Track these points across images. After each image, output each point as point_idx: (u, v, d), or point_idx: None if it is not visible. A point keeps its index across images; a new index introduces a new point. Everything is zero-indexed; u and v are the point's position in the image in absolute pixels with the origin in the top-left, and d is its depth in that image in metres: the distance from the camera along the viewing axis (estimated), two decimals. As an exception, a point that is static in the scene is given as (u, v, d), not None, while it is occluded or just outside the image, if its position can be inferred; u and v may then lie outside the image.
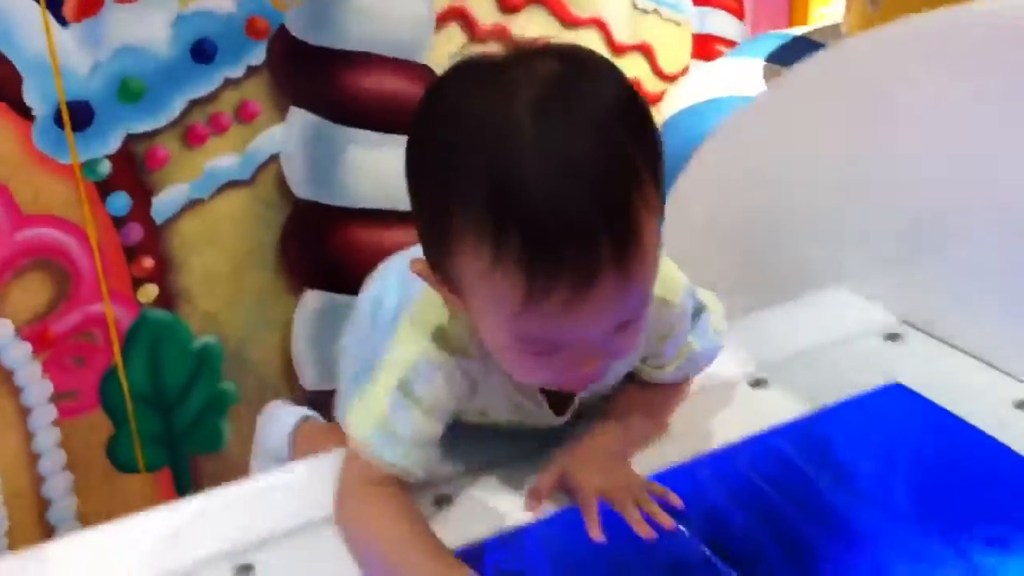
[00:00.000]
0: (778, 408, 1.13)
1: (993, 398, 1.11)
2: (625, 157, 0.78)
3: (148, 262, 1.95)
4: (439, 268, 0.86)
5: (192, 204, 1.96)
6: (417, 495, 0.98)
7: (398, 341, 0.95)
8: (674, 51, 2.43)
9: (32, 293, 1.86)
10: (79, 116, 1.80)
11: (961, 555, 1.00)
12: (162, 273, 1.97)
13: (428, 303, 0.96)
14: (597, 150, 0.77)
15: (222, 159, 1.96)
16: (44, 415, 1.92)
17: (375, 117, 2.05)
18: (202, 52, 1.88)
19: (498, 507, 1.00)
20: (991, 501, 1.06)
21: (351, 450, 0.96)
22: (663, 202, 0.84)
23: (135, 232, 1.92)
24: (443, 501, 1.00)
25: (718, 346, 1.09)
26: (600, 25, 2.29)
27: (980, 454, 1.08)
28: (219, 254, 2.00)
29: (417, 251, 0.92)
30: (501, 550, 0.97)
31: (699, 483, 1.06)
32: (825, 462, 1.10)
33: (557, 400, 1.03)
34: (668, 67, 2.43)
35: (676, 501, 0.96)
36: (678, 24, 2.42)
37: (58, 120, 1.78)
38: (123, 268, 1.93)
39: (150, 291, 1.97)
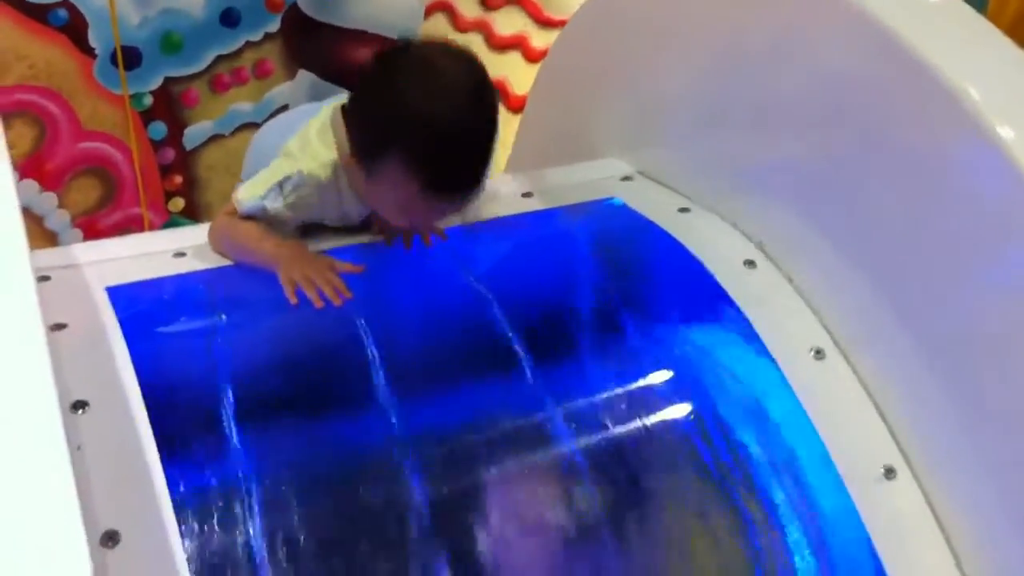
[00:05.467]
0: (539, 207, 1.57)
1: (667, 210, 1.52)
2: (493, 132, 1.23)
3: (178, 179, 2.50)
4: (365, 165, 1.27)
5: (215, 138, 2.51)
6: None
7: (288, 157, 1.36)
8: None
9: (85, 193, 2.44)
10: (130, 58, 2.39)
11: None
12: (188, 190, 2.52)
13: (316, 144, 1.38)
14: (482, 124, 1.22)
15: (241, 105, 2.51)
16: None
17: (367, 82, 2.57)
18: (229, 18, 2.45)
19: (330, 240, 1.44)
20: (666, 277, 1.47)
21: (231, 204, 1.41)
22: None
23: (169, 154, 2.48)
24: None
25: None
26: (572, 28, 2.76)
27: (663, 247, 1.49)
28: (234, 180, 2.52)
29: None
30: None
31: (469, 242, 1.50)
32: (555, 242, 1.53)
33: None
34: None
35: (444, 236, 1.40)
36: (646, 34, 2.87)
37: (113, 60, 2.37)
38: (157, 182, 2.49)
39: (178, 203, 2.52)
